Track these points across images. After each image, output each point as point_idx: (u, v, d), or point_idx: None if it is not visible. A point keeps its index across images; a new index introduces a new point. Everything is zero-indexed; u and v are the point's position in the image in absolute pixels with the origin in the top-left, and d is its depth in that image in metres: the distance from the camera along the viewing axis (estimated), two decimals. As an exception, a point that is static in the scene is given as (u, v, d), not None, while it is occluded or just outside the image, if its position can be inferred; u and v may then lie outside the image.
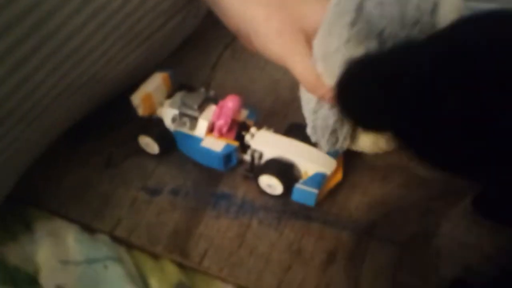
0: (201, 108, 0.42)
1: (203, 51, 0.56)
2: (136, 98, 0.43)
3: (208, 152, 0.42)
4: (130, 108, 0.43)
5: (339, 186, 0.42)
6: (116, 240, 0.39)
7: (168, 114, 0.43)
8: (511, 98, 0.23)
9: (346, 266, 0.36)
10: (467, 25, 0.25)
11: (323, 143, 0.40)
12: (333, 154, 0.41)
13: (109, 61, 0.41)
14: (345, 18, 0.31)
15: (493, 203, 0.31)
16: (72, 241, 0.38)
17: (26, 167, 0.40)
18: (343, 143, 0.41)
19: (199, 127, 0.42)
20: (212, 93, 0.44)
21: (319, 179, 0.39)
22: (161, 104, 0.44)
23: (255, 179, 0.41)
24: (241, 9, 0.38)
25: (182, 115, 0.43)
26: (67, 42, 0.35)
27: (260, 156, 0.42)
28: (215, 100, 0.43)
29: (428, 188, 0.41)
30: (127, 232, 0.39)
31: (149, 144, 0.44)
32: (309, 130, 0.39)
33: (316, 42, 0.34)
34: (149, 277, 0.36)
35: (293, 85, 0.51)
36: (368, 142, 0.41)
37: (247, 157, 0.42)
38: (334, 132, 0.38)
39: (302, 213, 0.40)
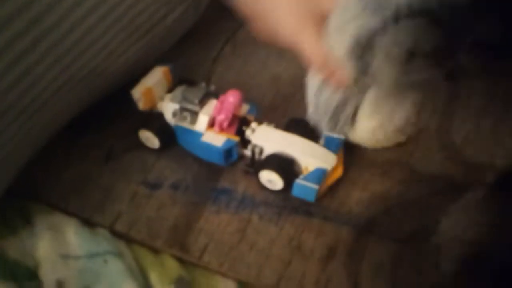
0: (202, 102, 0.42)
1: (203, 45, 0.56)
2: (137, 92, 0.43)
3: (208, 146, 0.42)
4: (130, 102, 0.43)
5: (339, 181, 0.42)
6: (116, 234, 0.39)
7: (168, 108, 0.43)
8: None
9: (346, 262, 0.36)
10: None
11: (323, 125, 0.41)
12: (333, 150, 0.41)
13: (109, 54, 0.41)
14: None
15: None
16: (72, 235, 0.37)
17: (26, 161, 0.40)
18: (343, 128, 0.41)
19: (199, 122, 0.42)
20: (212, 87, 0.44)
21: (319, 175, 0.39)
22: (162, 98, 0.44)
23: (256, 174, 0.41)
24: None
25: (182, 109, 0.43)
26: (68, 35, 0.35)
27: (261, 151, 0.42)
28: (216, 95, 0.43)
29: (428, 184, 0.42)
30: (127, 226, 0.39)
31: (150, 138, 0.44)
32: (310, 111, 0.40)
33: (333, 15, 0.35)
34: (149, 271, 0.36)
35: (294, 80, 0.52)
36: (366, 131, 0.41)
37: (247, 152, 0.42)
38: (335, 115, 0.39)
39: (302, 208, 0.40)
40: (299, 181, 0.39)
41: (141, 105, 0.43)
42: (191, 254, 0.38)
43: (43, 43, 0.34)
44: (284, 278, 0.36)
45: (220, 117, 0.41)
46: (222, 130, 0.42)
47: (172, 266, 0.37)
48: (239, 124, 0.43)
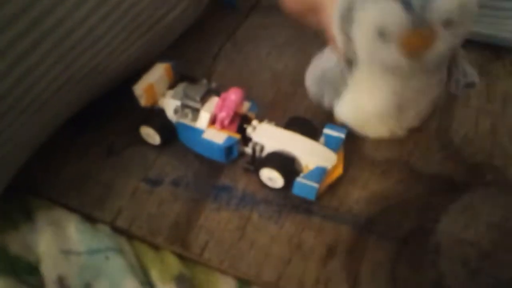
0: (203, 100, 0.42)
1: (204, 43, 0.56)
2: (139, 89, 0.43)
3: (209, 144, 0.42)
4: (131, 99, 0.43)
5: (339, 180, 0.42)
6: (117, 230, 0.39)
7: (170, 105, 0.43)
8: None
9: (345, 261, 0.37)
10: None
11: (325, 98, 0.42)
12: (333, 148, 0.41)
13: (111, 53, 0.41)
14: None
15: None
16: (73, 231, 0.38)
17: (26, 159, 0.40)
18: (341, 104, 0.42)
19: (201, 119, 0.42)
20: (214, 85, 0.44)
21: (319, 173, 0.40)
22: (163, 95, 0.44)
23: (256, 172, 0.41)
24: None
25: (184, 106, 0.43)
26: (69, 35, 0.35)
27: (262, 149, 0.42)
28: (217, 92, 0.43)
29: (427, 183, 0.42)
30: (128, 222, 0.40)
31: (151, 135, 0.44)
32: (309, 81, 0.43)
33: None
34: (150, 268, 0.36)
35: (294, 78, 0.52)
36: (347, 106, 0.42)
37: (248, 149, 0.42)
38: (336, 88, 0.41)
39: (303, 206, 0.40)
40: (299, 179, 0.39)
41: (143, 101, 0.43)
42: (191, 251, 0.38)
43: (44, 44, 0.34)
44: (284, 277, 0.36)
45: (222, 115, 0.42)
46: (223, 127, 0.42)
47: (173, 263, 0.37)
48: (240, 122, 0.43)
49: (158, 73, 0.44)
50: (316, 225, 0.39)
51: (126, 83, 0.44)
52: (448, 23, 0.33)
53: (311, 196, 0.40)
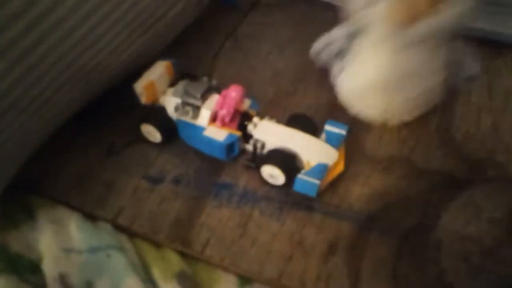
0: (204, 97, 0.42)
1: (204, 41, 0.56)
2: (139, 86, 0.43)
3: (210, 141, 0.42)
4: (131, 97, 0.43)
5: (340, 177, 0.42)
6: (118, 228, 0.39)
7: (170, 102, 0.43)
8: None
9: (346, 258, 0.37)
10: None
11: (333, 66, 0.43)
12: (334, 145, 0.41)
13: (112, 52, 0.41)
14: None
15: None
16: (75, 229, 0.38)
17: (26, 159, 0.40)
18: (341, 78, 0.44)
19: (201, 116, 0.42)
20: (214, 82, 0.44)
21: (321, 170, 0.40)
22: (164, 93, 0.44)
23: (257, 169, 0.41)
24: None
25: (185, 104, 0.43)
26: (71, 34, 0.35)
27: (263, 146, 0.42)
28: (218, 89, 0.43)
29: (428, 180, 0.42)
30: (129, 220, 0.40)
31: (151, 133, 0.44)
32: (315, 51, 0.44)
33: None
34: (152, 266, 0.36)
35: (295, 76, 0.52)
36: (347, 81, 0.43)
37: (249, 147, 0.42)
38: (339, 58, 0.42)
39: (304, 203, 0.40)
40: (300, 176, 0.39)
41: (143, 99, 0.43)
42: (193, 248, 0.38)
43: (45, 43, 0.34)
44: (285, 273, 0.36)
45: (222, 112, 0.41)
46: (224, 124, 0.42)
47: (174, 261, 0.37)
48: (241, 119, 0.43)
49: (159, 70, 0.44)
50: (317, 222, 0.39)
51: (126, 81, 0.44)
52: None
53: (312, 193, 0.40)
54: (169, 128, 0.44)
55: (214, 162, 0.43)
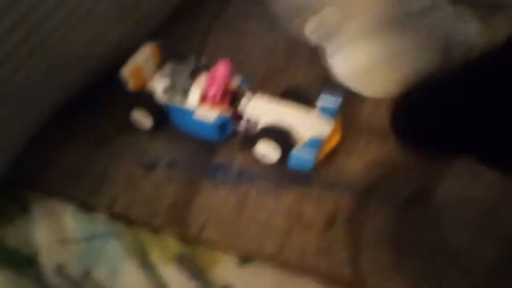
0: (193, 77, 0.42)
1: (194, 22, 0.55)
2: (126, 72, 0.42)
3: (201, 122, 0.41)
4: (120, 84, 0.43)
5: (336, 149, 0.41)
6: (115, 216, 0.39)
7: (159, 86, 0.42)
8: None
9: (346, 229, 0.36)
10: None
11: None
12: (329, 116, 0.40)
13: (96, 35, 0.40)
14: None
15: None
16: (70, 220, 0.37)
17: (17, 151, 0.39)
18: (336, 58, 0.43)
19: (191, 97, 0.41)
20: (203, 60, 0.43)
21: (315, 143, 0.39)
22: (152, 77, 0.43)
23: (252, 146, 0.41)
24: None
25: (173, 85, 0.42)
26: (47, 19, 0.34)
27: (256, 123, 0.41)
28: (206, 68, 0.42)
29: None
30: (125, 207, 0.39)
31: (142, 119, 0.43)
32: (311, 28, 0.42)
33: None
34: (150, 250, 0.36)
35: (286, 53, 0.51)
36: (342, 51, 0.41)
37: (242, 125, 0.42)
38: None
39: (300, 178, 0.40)
40: (295, 151, 0.39)
41: (131, 84, 0.43)
42: (191, 230, 0.37)
43: (23, 27, 0.33)
44: (285, 248, 0.36)
45: (212, 91, 0.41)
46: (214, 103, 0.41)
47: (173, 244, 0.36)
48: (232, 97, 0.42)
49: (145, 54, 0.43)
50: (315, 196, 0.39)
51: (115, 67, 0.43)
52: None
53: (308, 167, 0.39)
54: (159, 112, 0.43)
55: (208, 144, 0.43)
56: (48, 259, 0.35)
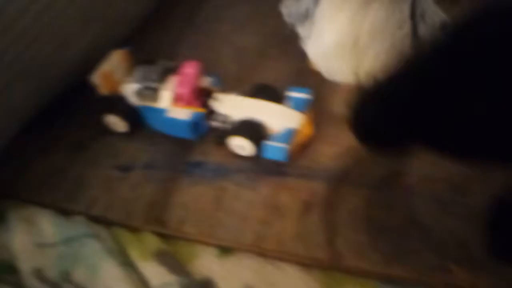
0: (163, 79, 0.42)
1: (165, 28, 0.56)
2: (96, 77, 0.43)
3: (175, 122, 0.42)
4: (93, 90, 0.43)
5: (310, 140, 0.42)
6: (93, 219, 0.39)
7: (130, 89, 0.43)
8: None
9: (322, 213, 0.37)
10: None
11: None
12: (300, 110, 0.41)
13: (64, 41, 0.40)
14: None
15: None
16: (47, 225, 0.37)
17: None
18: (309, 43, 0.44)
19: (163, 98, 0.42)
20: (172, 63, 0.44)
21: (287, 135, 0.40)
22: (123, 81, 0.44)
23: (226, 142, 0.41)
24: None
25: (144, 88, 0.42)
26: (14, 24, 0.35)
27: (228, 120, 0.42)
28: (176, 70, 0.43)
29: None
30: (103, 210, 0.39)
31: (117, 123, 0.44)
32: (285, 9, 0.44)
33: None
34: (129, 249, 0.36)
35: (257, 51, 0.52)
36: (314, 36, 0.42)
37: (215, 123, 0.42)
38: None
39: (276, 169, 0.40)
40: (268, 142, 0.39)
41: (102, 90, 0.43)
42: (170, 227, 0.38)
43: None
44: (263, 237, 0.36)
45: (183, 91, 0.41)
46: (186, 103, 0.42)
47: (152, 241, 0.37)
48: (204, 96, 0.43)
49: (115, 60, 0.44)
50: (291, 185, 0.39)
51: (87, 74, 0.43)
52: None
53: (282, 158, 0.40)
54: (133, 115, 0.43)
55: (183, 143, 0.43)
56: (26, 264, 0.35)
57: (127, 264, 0.35)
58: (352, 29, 0.41)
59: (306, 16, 0.44)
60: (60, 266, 0.35)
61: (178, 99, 0.42)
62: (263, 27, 0.52)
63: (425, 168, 0.38)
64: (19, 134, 0.41)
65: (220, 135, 0.42)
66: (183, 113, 0.42)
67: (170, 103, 0.42)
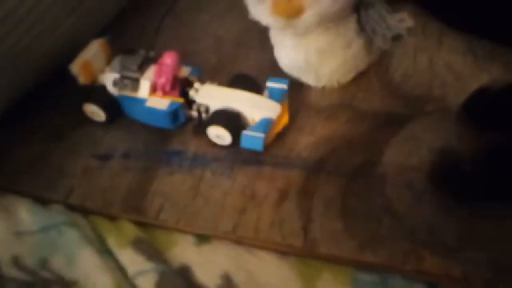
0: (142, 69, 0.42)
1: (145, 18, 0.56)
2: (75, 67, 0.43)
3: (153, 111, 0.42)
4: (73, 79, 0.43)
5: (287, 130, 0.43)
6: (71, 208, 0.39)
7: (109, 78, 0.43)
8: None
9: (298, 201, 0.38)
10: None
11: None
12: (277, 99, 0.42)
13: (42, 30, 0.40)
14: None
15: None
16: (25, 213, 0.37)
17: None
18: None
19: (141, 88, 0.42)
20: (151, 53, 0.44)
21: (265, 124, 0.40)
22: (102, 71, 0.44)
23: (204, 132, 0.42)
24: None
25: (123, 78, 0.42)
26: None
27: (207, 109, 0.42)
28: (155, 60, 0.43)
29: (371, 121, 0.43)
30: (81, 198, 0.39)
31: (95, 112, 0.44)
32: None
33: None
34: (106, 237, 0.37)
35: (237, 41, 0.52)
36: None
37: (194, 112, 0.43)
38: None
39: (253, 159, 0.41)
40: (245, 132, 0.40)
41: (81, 79, 0.43)
42: (147, 215, 0.38)
43: None
44: (240, 225, 0.37)
45: (161, 80, 0.42)
46: (165, 93, 0.42)
47: (129, 229, 0.37)
48: (182, 86, 0.43)
49: (93, 49, 0.44)
50: (267, 174, 0.40)
51: (66, 63, 0.43)
52: None
53: (259, 147, 0.40)
54: (111, 105, 0.44)
55: (162, 133, 0.44)
56: (3, 252, 0.35)
57: (105, 252, 0.35)
58: (300, 52, 0.43)
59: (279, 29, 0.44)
60: (38, 254, 0.35)
61: (156, 89, 0.42)
62: (242, 17, 0.52)
63: (399, 156, 0.40)
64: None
65: (199, 125, 0.43)
66: (161, 103, 0.42)
67: (149, 93, 0.42)
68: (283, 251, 0.36)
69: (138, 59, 0.43)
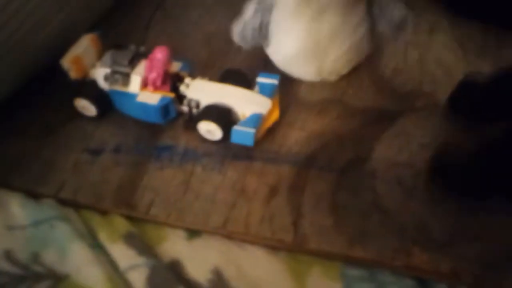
0: (132, 64, 0.42)
1: (136, 13, 0.55)
2: (66, 61, 0.42)
3: (144, 106, 0.42)
4: (64, 74, 0.43)
5: (277, 125, 0.43)
6: (63, 202, 0.39)
7: (100, 73, 0.43)
8: None
9: (288, 196, 0.38)
10: None
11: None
12: (268, 95, 0.42)
13: (36, 23, 0.40)
14: None
15: None
16: (17, 207, 0.37)
17: None
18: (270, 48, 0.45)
19: (132, 83, 0.42)
20: (142, 48, 0.44)
21: (255, 119, 0.40)
22: (93, 66, 0.44)
23: (195, 127, 0.42)
24: None
25: (114, 72, 0.42)
26: None
27: (197, 104, 0.42)
28: (146, 56, 0.43)
29: (361, 117, 0.43)
30: (73, 193, 0.40)
31: (86, 107, 0.44)
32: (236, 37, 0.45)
33: None
34: (98, 231, 0.37)
35: (226, 37, 0.52)
36: (275, 45, 0.44)
37: (185, 107, 0.43)
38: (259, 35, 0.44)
39: (244, 154, 0.41)
40: (236, 127, 0.40)
41: (72, 74, 0.43)
42: (138, 210, 0.38)
43: None
44: (230, 220, 0.37)
45: (152, 75, 0.42)
46: (156, 88, 0.42)
47: (120, 224, 0.37)
48: (173, 81, 0.43)
49: (84, 44, 0.44)
50: (258, 169, 0.40)
51: (58, 58, 0.43)
52: None
53: (250, 143, 0.41)
54: (102, 99, 0.43)
55: (153, 127, 0.44)
56: (-6, 246, 0.35)
57: (96, 246, 0.35)
58: (311, 35, 0.42)
59: (262, 30, 0.44)
60: (29, 248, 0.35)
61: (147, 84, 0.42)
62: (233, 13, 0.53)
63: (389, 152, 0.40)
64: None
65: (189, 120, 0.43)
66: (152, 98, 0.42)
67: (140, 87, 0.42)
68: (273, 246, 0.36)
69: (129, 54, 0.43)
